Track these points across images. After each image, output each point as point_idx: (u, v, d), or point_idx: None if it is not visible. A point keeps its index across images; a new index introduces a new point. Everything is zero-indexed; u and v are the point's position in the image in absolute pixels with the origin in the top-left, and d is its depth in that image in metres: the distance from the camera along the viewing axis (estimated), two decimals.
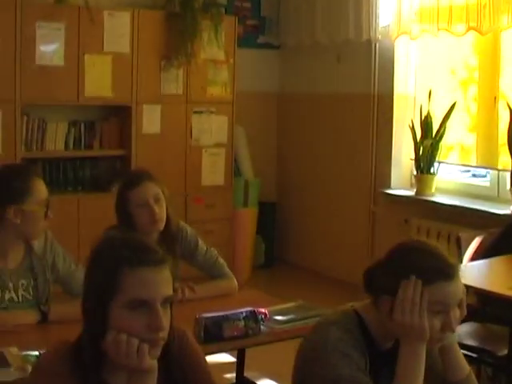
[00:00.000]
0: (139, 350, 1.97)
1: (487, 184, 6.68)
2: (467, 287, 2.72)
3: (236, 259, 7.08)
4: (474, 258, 5.45)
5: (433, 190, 6.79)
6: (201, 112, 7.35)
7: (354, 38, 7.20)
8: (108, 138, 7.14)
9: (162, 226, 3.78)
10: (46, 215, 3.36)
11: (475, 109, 6.68)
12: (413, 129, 6.78)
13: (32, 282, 3.43)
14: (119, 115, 7.17)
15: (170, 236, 3.84)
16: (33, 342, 3.12)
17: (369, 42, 7.14)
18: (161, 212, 3.75)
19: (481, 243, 5.51)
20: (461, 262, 5.34)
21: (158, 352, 2.03)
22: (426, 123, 6.73)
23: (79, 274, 3.49)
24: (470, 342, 4.58)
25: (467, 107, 6.76)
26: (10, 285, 3.37)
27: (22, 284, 3.40)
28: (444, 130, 6.69)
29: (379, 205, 7.30)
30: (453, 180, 7.01)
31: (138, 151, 7.08)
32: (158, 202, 3.75)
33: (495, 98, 6.39)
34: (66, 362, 2.03)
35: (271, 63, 8.38)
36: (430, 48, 6.91)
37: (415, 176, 6.90)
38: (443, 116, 6.67)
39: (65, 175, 7.00)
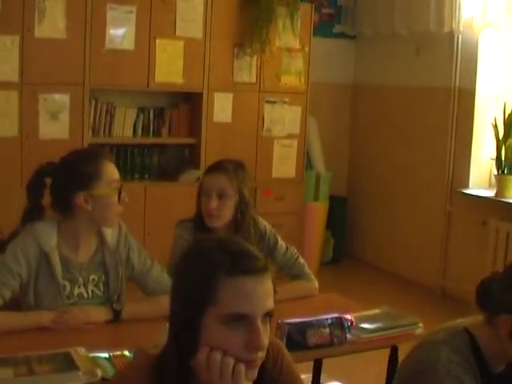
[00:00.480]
0: (235, 372, 1.72)
1: None
2: None
3: (304, 254, 6.74)
4: None
5: None
6: (273, 102, 7.11)
7: (435, 30, 6.86)
8: (177, 125, 6.95)
9: (218, 223, 3.55)
10: (119, 199, 3.15)
11: None
12: (495, 127, 6.46)
13: (103, 278, 3.24)
14: (189, 102, 6.97)
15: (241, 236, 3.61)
16: (102, 343, 2.94)
17: (451, 34, 6.80)
18: (219, 209, 3.53)
19: None
20: None
21: (255, 374, 1.77)
22: (509, 121, 6.42)
23: (155, 272, 3.31)
24: None
25: None
26: (80, 279, 3.18)
27: (93, 279, 3.21)
28: None
29: (456, 205, 6.98)
30: None
31: (207, 140, 6.87)
32: (221, 198, 3.52)
33: None
34: (147, 380, 1.80)
35: (346, 53, 8.11)
36: None
37: (496, 176, 6.58)
38: None
39: (132, 162, 6.82)
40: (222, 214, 3.53)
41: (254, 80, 6.98)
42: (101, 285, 3.22)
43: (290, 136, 7.28)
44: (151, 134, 6.90)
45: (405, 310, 5.89)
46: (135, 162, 6.83)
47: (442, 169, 7.05)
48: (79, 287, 3.17)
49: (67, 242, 3.14)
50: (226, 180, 3.54)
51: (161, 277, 3.30)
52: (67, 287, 3.14)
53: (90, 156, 3.17)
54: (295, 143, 7.31)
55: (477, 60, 6.72)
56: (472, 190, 6.81)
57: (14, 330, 2.94)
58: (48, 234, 3.08)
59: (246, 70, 6.92)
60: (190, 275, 1.79)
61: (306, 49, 7.18)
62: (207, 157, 6.86)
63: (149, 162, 6.89)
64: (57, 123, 6.29)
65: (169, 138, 6.96)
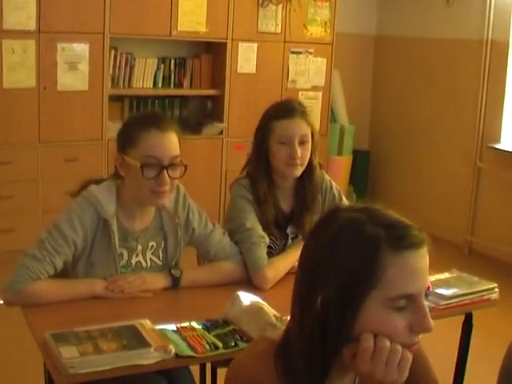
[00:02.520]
0: (402, 359, 1.51)
1: None
2: None
3: None
4: None
5: None
6: (299, 53, 6.86)
7: None
8: (199, 76, 6.72)
9: (299, 172, 3.26)
10: (159, 176, 2.77)
11: None
12: None
13: (162, 244, 2.99)
14: (212, 52, 6.74)
15: (312, 186, 3.35)
16: (165, 313, 2.75)
17: None
18: (303, 157, 3.21)
19: None
20: None
21: (411, 358, 1.55)
22: None
23: (217, 235, 3.07)
24: None
25: None
26: (139, 247, 2.94)
27: (152, 246, 2.97)
28: None
29: (486, 160, 6.77)
30: None
31: (231, 92, 6.64)
32: (304, 145, 3.21)
33: None
34: (271, 369, 1.59)
35: (370, 3, 7.83)
36: None
37: None
38: None
39: None
40: (305, 162, 3.24)
41: (279, 30, 6.72)
42: (160, 252, 2.99)
43: (314, 88, 7.05)
44: (172, 86, 6.67)
45: (431, 266, 5.76)
46: None
47: (472, 123, 6.83)
48: (137, 255, 2.93)
49: (125, 208, 2.89)
50: (305, 124, 3.22)
51: (223, 241, 3.09)
52: (124, 256, 2.91)
53: (142, 119, 2.87)
54: (320, 95, 7.09)
55: (511, 12, 6.46)
56: (504, 146, 6.59)
57: (64, 299, 2.73)
58: (107, 200, 2.83)
59: (271, 20, 6.66)
60: (342, 252, 1.54)
61: None
62: (231, 109, 6.65)
63: (170, 115, 6.65)
64: (76, 74, 6.05)
65: (191, 90, 6.72)
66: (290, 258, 3.14)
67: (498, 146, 6.62)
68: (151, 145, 2.77)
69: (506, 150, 6.53)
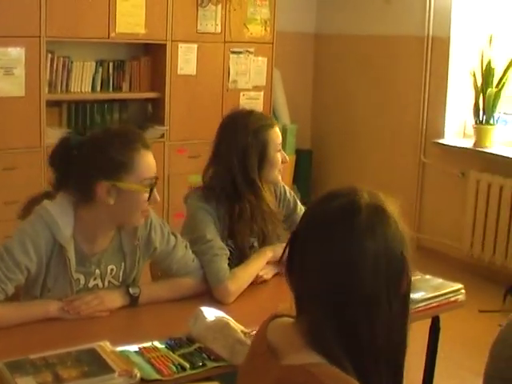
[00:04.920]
0: None
1: None
2: None
3: None
4: None
5: (492, 141, 6.28)
6: (239, 52, 6.76)
7: None
8: (139, 79, 6.55)
9: None
10: (149, 198, 2.72)
11: None
12: (474, 75, 6.23)
13: (122, 266, 2.86)
14: (151, 54, 6.58)
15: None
16: (126, 333, 2.63)
17: None
18: None
19: None
20: None
21: None
22: (488, 70, 6.19)
23: (180, 251, 2.95)
24: None
25: None
26: (97, 271, 2.79)
27: (112, 270, 2.83)
28: (507, 78, 6.16)
29: (431, 156, 6.76)
30: None
31: (171, 94, 6.50)
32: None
33: None
34: None
35: (310, 1, 7.75)
36: None
37: (474, 126, 6.35)
38: (507, 63, 6.13)
39: (91, 119, 6.41)
40: None
41: (219, 30, 6.60)
42: (120, 273, 2.86)
43: (255, 88, 6.95)
44: (111, 89, 6.49)
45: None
46: (95, 119, 6.43)
47: (416, 119, 6.81)
48: (95, 279, 2.80)
49: (84, 231, 2.73)
50: None
51: (186, 257, 2.97)
52: (81, 281, 2.77)
53: (125, 140, 2.68)
54: (261, 95, 7.00)
55: (451, 7, 6.45)
56: (448, 141, 6.59)
57: (16, 322, 2.58)
58: (64, 222, 2.66)
59: (211, 20, 6.54)
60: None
61: None
62: (172, 112, 6.52)
63: (109, 119, 6.49)
64: (11, 79, 5.84)
65: (130, 93, 6.57)
66: (253, 268, 3.06)
67: (441, 141, 6.61)
68: (147, 166, 2.68)
69: (450, 144, 6.53)
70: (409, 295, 1.64)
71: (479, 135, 6.29)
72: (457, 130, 6.68)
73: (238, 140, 3.16)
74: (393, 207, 1.63)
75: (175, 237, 2.98)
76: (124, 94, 6.54)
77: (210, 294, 2.95)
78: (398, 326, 1.60)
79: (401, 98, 6.97)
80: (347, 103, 7.54)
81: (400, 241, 1.60)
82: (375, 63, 7.18)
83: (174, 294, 2.90)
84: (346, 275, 1.54)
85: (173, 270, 2.95)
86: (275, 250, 3.16)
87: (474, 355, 4.76)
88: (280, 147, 3.25)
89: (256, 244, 3.29)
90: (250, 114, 3.27)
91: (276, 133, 3.23)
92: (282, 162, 3.26)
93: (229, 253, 3.06)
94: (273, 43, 6.91)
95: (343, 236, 1.55)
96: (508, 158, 6.03)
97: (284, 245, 1.63)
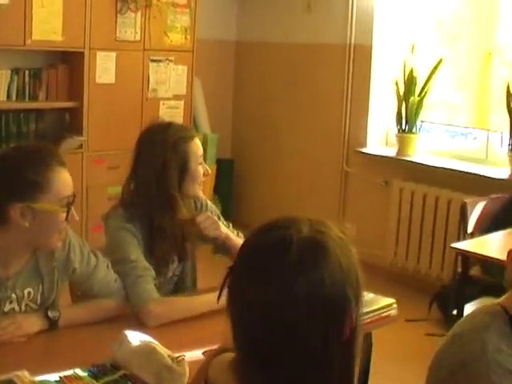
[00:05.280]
0: None
1: (474, 145, 6.21)
2: None
3: None
4: (477, 226, 5.01)
5: (415, 150, 6.28)
6: (159, 61, 6.62)
7: None
8: (56, 88, 6.35)
9: None
10: (66, 218, 2.57)
11: (465, 65, 6.11)
12: (396, 84, 6.22)
13: (40, 288, 2.69)
14: (69, 62, 6.38)
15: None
16: (45, 361, 2.48)
17: None
18: None
19: (484, 210, 5.08)
20: (465, 230, 4.91)
21: None
22: (410, 78, 6.19)
23: (101, 272, 2.80)
24: None
25: (455, 63, 6.18)
26: (13, 296, 2.62)
27: (29, 293, 2.66)
28: (429, 86, 6.17)
29: (354, 165, 6.73)
30: (436, 140, 6.52)
31: (90, 103, 6.32)
32: None
33: (489, 54, 5.86)
34: None
35: (230, 9, 7.65)
36: None
37: (397, 135, 6.35)
38: (429, 72, 6.15)
39: (7, 129, 6.17)
40: None
41: (138, 38, 6.46)
42: (38, 296, 2.69)
43: (176, 97, 6.82)
44: (27, 98, 6.28)
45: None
46: (10, 129, 6.20)
47: (338, 128, 6.76)
48: (11, 303, 2.63)
49: None
50: None
51: (107, 277, 2.82)
52: None
53: (38, 158, 2.51)
54: (181, 104, 6.87)
55: (373, 15, 6.43)
56: (371, 149, 6.57)
57: None
58: None
59: (130, 27, 6.38)
60: None
61: (193, 4, 6.71)
62: (90, 122, 6.35)
63: (25, 130, 6.26)
64: None
65: (47, 102, 6.36)
66: (192, 303, 2.91)
67: (364, 149, 6.58)
68: (63, 184, 2.52)
69: (373, 153, 6.51)
70: (354, 344, 1.42)
71: (402, 144, 6.29)
72: (379, 139, 6.67)
73: (157, 155, 3.04)
74: (339, 239, 1.45)
75: (96, 256, 2.82)
76: (40, 104, 6.33)
77: (135, 316, 2.81)
78: (337, 377, 1.42)
79: (323, 107, 6.92)
80: (269, 112, 7.46)
81: (342, 279, 1.39)
82: (297, 71, 7.12)
83: (96, 316, 2.76)
84: (274, 315, 1.37)
85: (94, 291, 2.80)
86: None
87: (405, 366, 4.75)
88: (201, 159, 3.16)
89: (176, 259, 3.20)
90: (168, 126, 3.15)
91: (196, 145, 3.13)
92: (204, 175, 3.16)
93: (154, 273, 2.93)
94: (193, 51, 6.80)
95: (272, 275, 1.39)
96: (431, 166, 6.04)
97: None
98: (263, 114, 7.53)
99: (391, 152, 6.39)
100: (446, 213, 5.94)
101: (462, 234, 4.95)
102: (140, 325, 2.71)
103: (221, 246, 3.24)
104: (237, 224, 7.49)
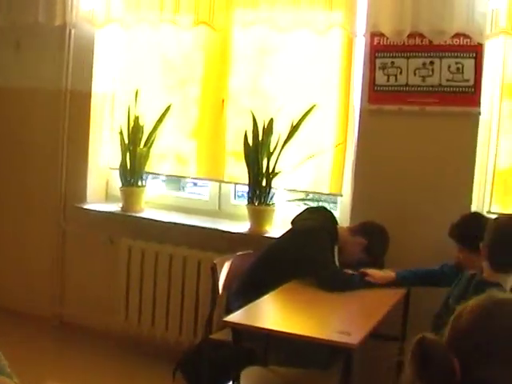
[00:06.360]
0: None
1: (206, 198, 5.92)
2: None
3: None
4: (227, 285, 4.71)
5: (142, 204, 5.86)
6: None
7: (44, 22, 5.87)
8: None
9: None
10: None
11: (196, 112, 5.80)
12: (121, 133, 5.76)
13: None
14: None
15: None
16: None
17: (63, 27, 5.88)
18: None
19: (233, 268, 4.80)
20: (217, 291, 4.59)
21: None
22: (136, 127, 5.76)
23: None
24: None
25: (186, 110, 5.84)
26: None
27: None
28: (155, 135, 5.79)
29: (73, 222, 6.12)
30: (164, 194, 6.17)
31: None
32: None
33: (223, 101, 5.60)
34: None
35: None
36: (143, 41, 5.89)
37: (121, 189, 5.87)
38: (156, 120, 5.77)
39: None
40: None
41: None
42: None
43: None
44: None
45: (18, 345, 4.99)
46: None
47: (54, 181, 6.12)
48: None
49: None
50: None
51: None
52: None
53: None
54: None
55: (93, 58, 5.93)
56: (92, 205, 6.01)
57: None
58: None
59: None
60: None
61: None
62: None
63: None
64: None
65: None
66: None
67: (84, 205, 6.01)
68: None
69: (95, 209, 5.95)
70: None
71: (127, 198, 5.83)
72: (102, 194, 6.14)
73: None
74: None
75: None
76: None
77: None
78: None
79: (38, 159, 6.24)
80: None
81: None
82: (9, 119, 6.37)
83: None
84: None
85: None
86: None
87: None
88: None
89: None
90: None
91: None
92: None
93: None
94: None
95: None
96: (160, 221, 5.65)
97: None
98: None
99: (116, 207, 5.89)
100: (182, 272, 5.57)
101: (212, 297, 4.66)
102: None
103: None
104: None
